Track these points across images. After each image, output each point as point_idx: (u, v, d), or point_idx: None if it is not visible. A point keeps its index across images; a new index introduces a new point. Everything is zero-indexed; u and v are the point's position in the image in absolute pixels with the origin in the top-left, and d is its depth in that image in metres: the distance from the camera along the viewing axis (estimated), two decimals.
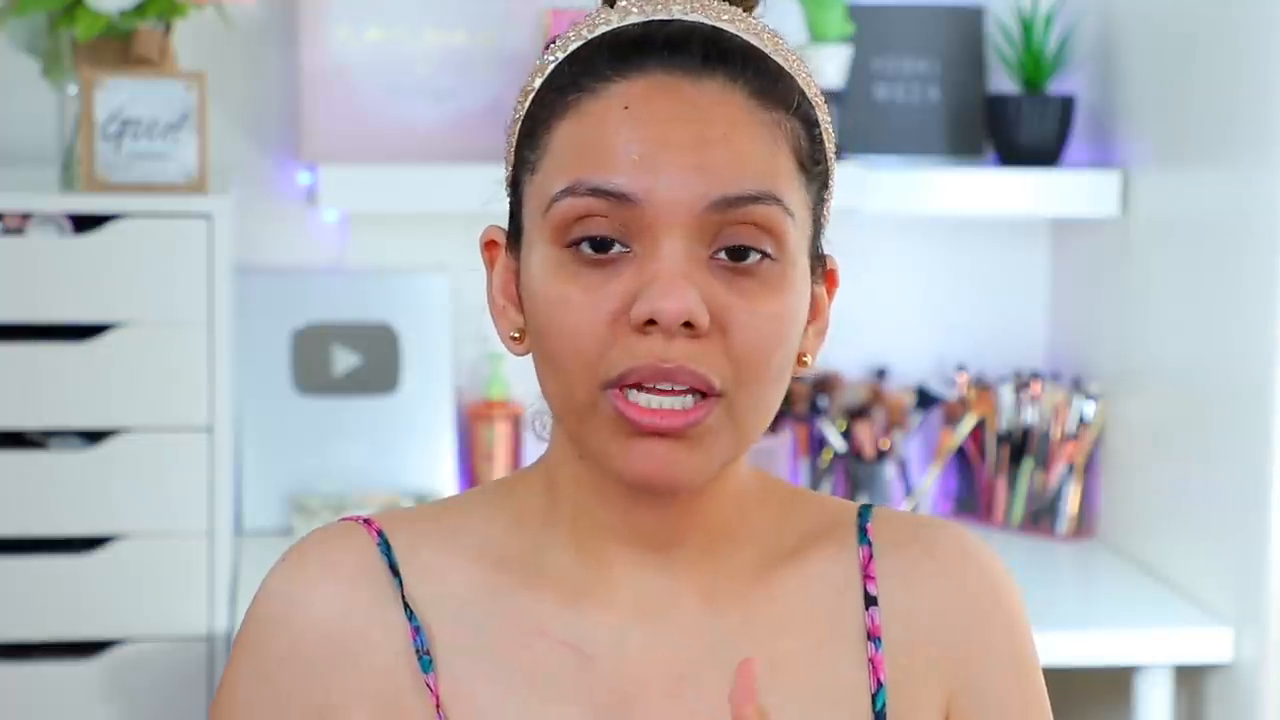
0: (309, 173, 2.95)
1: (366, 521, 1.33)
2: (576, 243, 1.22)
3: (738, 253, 1.22)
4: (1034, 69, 3.05)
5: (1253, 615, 2.60)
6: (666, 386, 1.20)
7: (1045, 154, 3.03)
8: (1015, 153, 3.04)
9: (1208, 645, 2.65)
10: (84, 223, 2.56)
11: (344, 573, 1.31)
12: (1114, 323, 3.01)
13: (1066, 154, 3.06)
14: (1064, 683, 3.09)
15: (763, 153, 1.23)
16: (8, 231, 2.55)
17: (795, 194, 1.24)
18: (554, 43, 1.29)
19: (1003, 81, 3.13)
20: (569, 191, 1.21)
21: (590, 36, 1.26)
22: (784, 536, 1.33)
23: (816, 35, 2.99)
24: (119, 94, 2.57)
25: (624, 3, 1.27)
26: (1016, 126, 3.03)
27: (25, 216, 2.55)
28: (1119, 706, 2.85)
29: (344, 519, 1.35)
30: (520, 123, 1.29)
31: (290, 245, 3.04)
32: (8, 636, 2.56)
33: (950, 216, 3.16)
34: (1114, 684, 2.86)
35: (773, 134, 1.24)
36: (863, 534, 1.35)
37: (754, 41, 1.25)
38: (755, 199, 1.21)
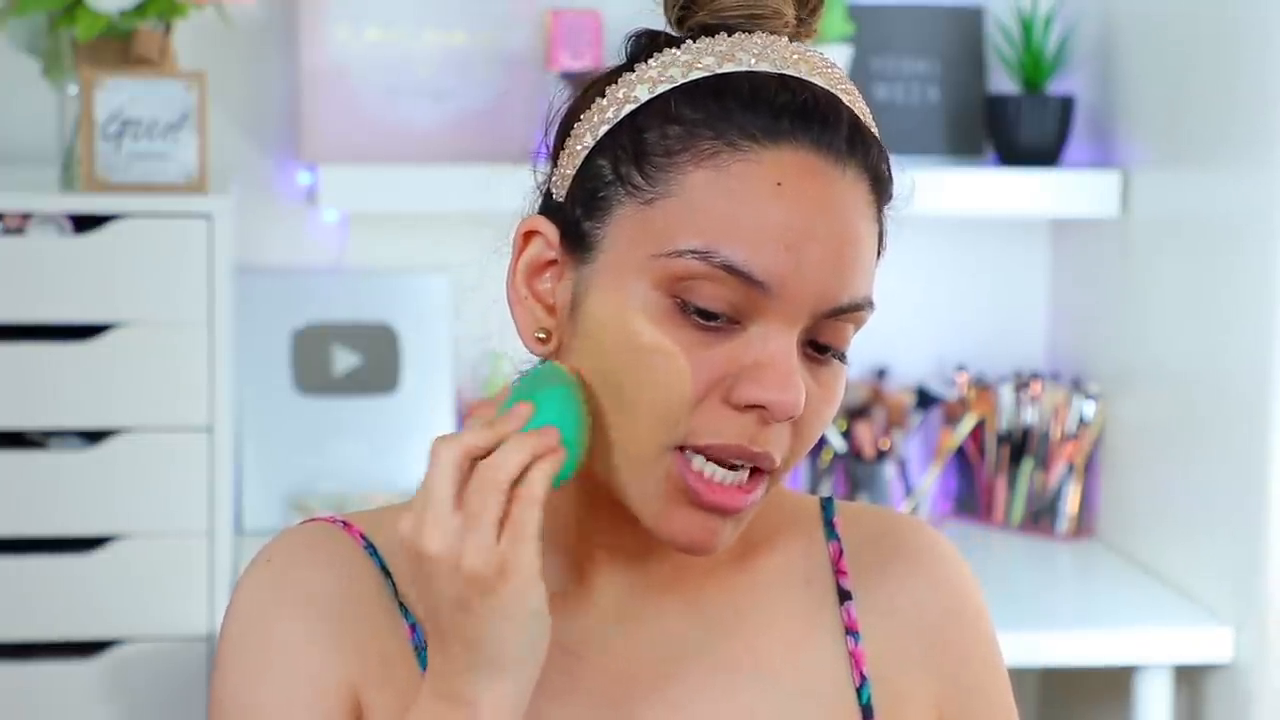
0: (309, 173, 2.95)
1: (345, 525, 1.32)
2: (684, 302, 1.20)
3: (822, 348, 1.23)
4: (1034, 69, 3.05)
5: (1252, 615, 2.60)
6: (738, 462, 1.21)
7: (1045, 154, 3.03)
8: (1015, 153, 3.04)
9: (1207, 645, 2.65)
10: (84, 223, 2.56)
11: (339, 564, 1.30)
12: (1114, 323, 3.01)
13: (1066, 154, 3.06)
14: (1064, 683, 3.10)
15: (870, 250, 1.24)
16: (8, 231, 2.55)
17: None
18: (654, 51, 1.25)
19: (1003, 81, 3.13)
20: (701, 256, 1.19)
21: (720, 70, 1.23)
22: (755, 529, 1.33)
23: (817, 35, 2.99)
24: (119, 94, 2.57)
25: (744, 38, 1.25)
26: (1016, 126, 3.03)
27: (25, 216, 2.55)
28: (1119, 706, 2.85)
29: (312, 519, 1.33)
30: (613, 129, 1.24)
31: (290, 245, 3.04)
32: (8, 636, 2.56)
33: (950, 216, 3.15)
34: (1114, 684, 2.86)
35: (876, 227, 1.25)
36: (830, 528, 1.36)
37: (869, 124, 1.26)
38: (862, 306, 1.23)
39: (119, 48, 2.62)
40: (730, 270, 1.19)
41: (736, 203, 1.19)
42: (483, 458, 1.16)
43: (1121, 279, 2.98)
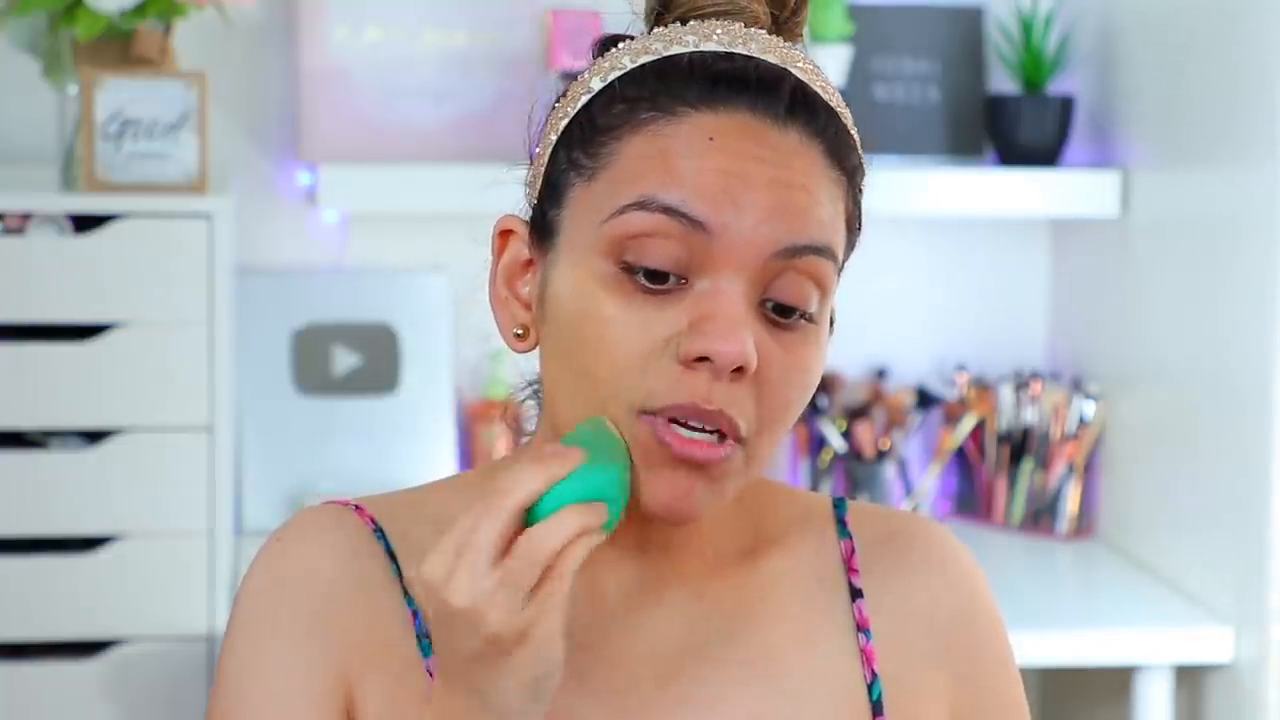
0: (309, 173, 2.96)
1: (357, 508, 1.33)
2: (631, 266, 1.20)
3: (784, 310, 1.22)
4: (1034, 69, 3.05)
5: (1253, 615, 2.60)
6: (697, 424, 1.20)
7: (1045, 154, 3.03)
8: (1015, 153, 3.04)
9: (1208, 645, 2.65)
10: (84, 223, 2.56)
11: (347, 548, 1.31)
12: (1114, 323, 3.01)
13: (1066, 154, 3.06)
14: (1064, 683, 3.10)
15: (829, 208, 1.23)
16: (8, 231, 2.55)
17: (841, 253, 1.26)
18: (615, 47, 1.28)
19: (1003, 81, 3.13)
20: (639, 206, 1.20)
21: (666, 53, 1.24)
22: (764, 527, 1.34)
23: (816, 35, 2.99)
24: (119, 94, 2.57)
25: (699, 24, 1.26)
26: (1016, 126, 3.03)
27: (25, 216, 2.55)
28: (1119, 706, 2.85)
29: (329, 501, 1.35)
30: (571, 120, 1.27)
31: (290, 245, 3.04)
32: (8, 636, 2.56)
33: (950, 216, 3.16)
34: (1114, 684, 2.86)
35: (837, 192, 1.24)
36: (842, 526, 1.37)
37: (827, 99, 1.25)
38: (819, 250, 1.22)
39: (119, 48, 2.62)
40: (669, 213, 1.19)
41: (670, 156, 1.20)
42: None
43: (1121, 279, 2.99)
